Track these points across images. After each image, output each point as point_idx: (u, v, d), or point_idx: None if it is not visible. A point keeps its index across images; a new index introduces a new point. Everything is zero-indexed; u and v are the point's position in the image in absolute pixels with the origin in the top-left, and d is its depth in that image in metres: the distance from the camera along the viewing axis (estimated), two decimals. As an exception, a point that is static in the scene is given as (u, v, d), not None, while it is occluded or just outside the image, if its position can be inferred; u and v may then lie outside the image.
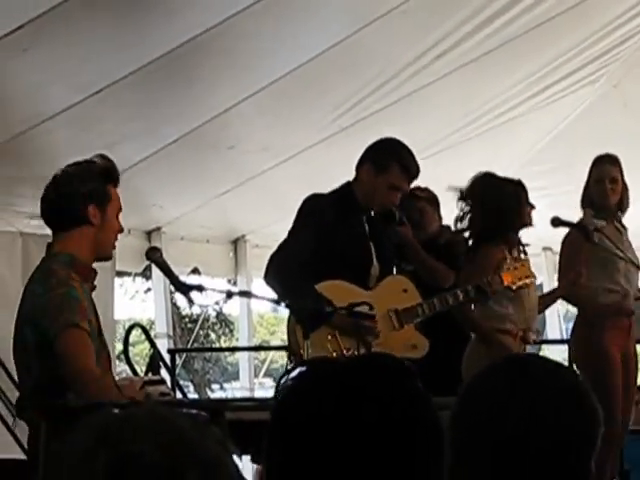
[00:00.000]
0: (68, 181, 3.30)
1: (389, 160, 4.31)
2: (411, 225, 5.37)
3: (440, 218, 5.56)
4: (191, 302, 3.63)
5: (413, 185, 5.46)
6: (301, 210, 4.34)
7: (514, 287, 4.61)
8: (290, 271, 4.17)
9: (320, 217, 4.27)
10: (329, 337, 4.16)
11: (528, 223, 4.87)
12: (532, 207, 4.88)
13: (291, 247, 4.29)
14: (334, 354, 4.13)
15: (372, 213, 4.56)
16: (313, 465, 1.27)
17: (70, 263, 3.25)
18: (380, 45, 5.56)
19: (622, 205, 5.29)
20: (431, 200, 5.48)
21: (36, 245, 5.84)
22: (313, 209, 4.31)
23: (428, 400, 1.35)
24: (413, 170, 4.35)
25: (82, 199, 3.27)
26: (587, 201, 5.30)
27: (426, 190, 5.47)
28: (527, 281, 4.66)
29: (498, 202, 4.70)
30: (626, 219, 5.43)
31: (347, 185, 4.42)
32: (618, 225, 5.33)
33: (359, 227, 4.39)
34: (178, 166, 5.98)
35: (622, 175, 5.30)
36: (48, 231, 5.87)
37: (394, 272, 4.59)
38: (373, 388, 1.32)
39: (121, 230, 3.41)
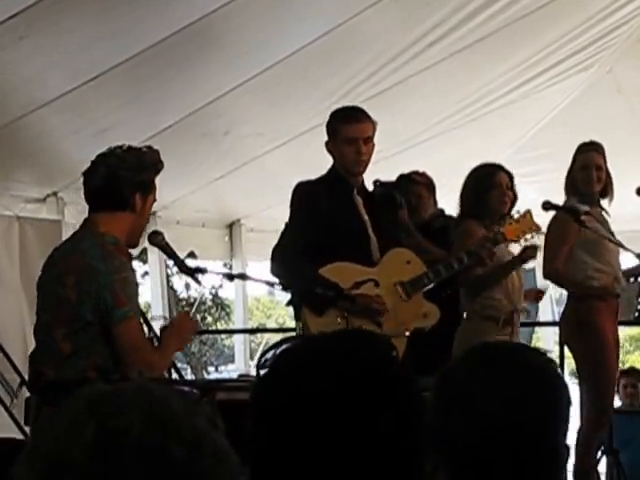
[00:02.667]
0: (124, 166, 3.35)
1: (334, 123, 4.42)
2: (408, 209, 5.48)
3: (435, 203, 5.64)
4: (199, 283, 3.70)
5: (411, 170, 5.56)
6: (293, 197, 4.40)
7: (521, 240, 4.69)
8: (293, 260, 4.21)
9: (313, 200, 4.33)
10: (339, 320, 4.21)
11: (504, 202, 4.96)
12: (507, 191, 4.98)
13: (290, 235, 4.35)
14: None
15: (374, 191, 4.63)
16: (293, 443, 1.27)
17: (115, 245, 3.34)
18: (373, 33, 5.58)
19: (605, 193, 5.32)
20: (428, 185, 5.56)
21: (32, 229, 5.89)
22: (305, 194, 4.37)
23: (409, 376, 1.36)
24: (355, 116, 4.41)
25: (133, 187, 3.35)
26: (571, 187, 5.32)
27: (423, 175, 5.57)
28: (532, 232, 4.71)
29: (473, 183, 4.99)
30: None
31: (331, 168, 4.50)
32: (602, 212, 5.36)
33: (351, 204, 4.45)
34: (173, 151, 6.00)
35: (606, 163, 5.33)
36: (44, 215, 5.98)
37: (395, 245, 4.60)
38: (354, 364, 1.32)
39: (148, 220, 3.53)
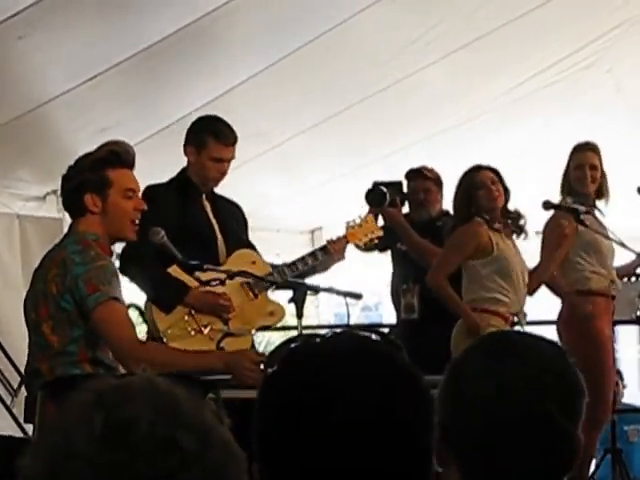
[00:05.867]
0: (67, 174, 3.46)
1: (203, 135, 4.46)
2: (414, 203, 5.53)
3: (442, 199, 5.69)
4: (199, 282, 3.71)
5: (421, 165, 5.60)
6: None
7: (361, 243, 4.81)
8: (140, 260, 4.21)
9: (160, 203, 4.34)
10: (186, 317, 4.28)
11: (494, 197, 4.98)
12: (504, 189, 5.02)
13: (139, 237, 4.36)
14: (192, 332, 4.27)
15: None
16: (302, 442, 1.27)
17: (96, 241, 3.40)
18: (375, 29, 5.59)
19: (601, 194, 5.32)
20: (436, 181, 5.63)
21: (33, 227, 5.89)
22: (152, 197, 4.33)
23: (416, 372, 1.35)
24: (229, 137, 4.47)
25: (75, 191, 3.42)
26: (566, 188, 5.33)
27: (433, 171, 5.64)
28: (372, 236, 4.82)
29: (461, 188, 5.07)
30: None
31: (182, 171, 4.57)
32: (597, 213, 5.36)
33: (199, 207, 4.52)
34: (173, 150, 6.01)
35: (601, 163, 5.33)
36: (44, 213, 5.97)
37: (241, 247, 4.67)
38: (362, 362, 1.31)
39: (139, 209, 3.51)
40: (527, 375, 1.60)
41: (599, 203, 5.35)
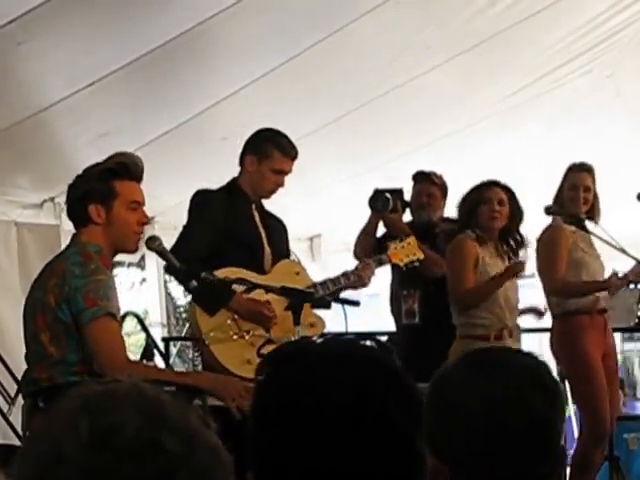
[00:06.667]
0: (74, 183, 3.47)
1: (268, 147, 4.53)
2: (416, 206, 5.58)
3: (444, 207, 5.71)
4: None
5: (429, 170, 5.63)
6: (192, 205, 4.51)
7: (402, 264, 4.88)
8: (190, 260, 4.19)
9: (213, 209, 4.44)
10: (229, 321, 4.30)
11: (494, 217, 5.02)
12: (497, 206, 5.04)
13: (189, 241, 4.41)
14: (235, 337, 4.28)
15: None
16: (296, 449, 1.27)
17: (98, 253, 3.40)
18: (374, 35, 5.58)
19: (592, 215, 5.34)
20: (442, 188, 5.69)
21: (30, 234, 5.88)
22: (204, 202, 4.48)
23: (409, 378, 1.36)
24: (292, 151, 4.55)
25: (80, 200, 3.42)
26: (558, 206, 5.36)
27: (441, 178, 5.72)
28: (414, 257, 4.89)
29: (466, 198, 5.12)
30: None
31: (233, 180, 4.62)
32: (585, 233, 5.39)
33: (249, 216, 4.57)
34: (171, 156, 6.01)
35: (595, 184, 5.36)
36: (42, 220, 5.95)
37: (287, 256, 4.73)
38: (355, 368, 1.32)
39: (143, 222, 3.50)
40: (509, 385, 1.64)
41: (589, 223, 5.38)
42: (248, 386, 3.36)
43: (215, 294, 4.18)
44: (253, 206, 4.59)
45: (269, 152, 4.51)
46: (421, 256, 4.94)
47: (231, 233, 4.40)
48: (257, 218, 4.58)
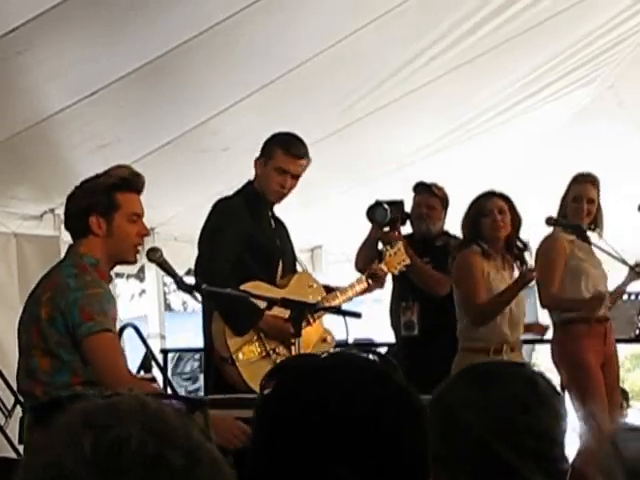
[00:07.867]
0: (72, 196, 3.46)
1: (272, 147, 4.49)
2: (415, 216, 5.56)
3: (444, 219, 5.68)
4: (197, 300, 3.66)
5: (430, 182, 5.60)
6: (215, 213, 4.46)
7: (396, 272, 4.92)
8: (223, 276, 4.19)
9: (237, 217, 4.39)
10: (254, 338, 4.30)
11: (497, 227, 5.00)
12: (498, 216, 5.04)
13: (216, 252, 4.35)
14: (261, 355, 4.32)
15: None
16: (298, 461, 1.27)
17: (94, 265, 3.38)
18: (373, 48, 5.56)
19: (595, 226, 5.33)
20: (443, 200, 5.65)
21: (30, 245, 5.86)
22: (229, 211, 4.43)
23: (413, 393, 1.35)
24: (296, 150, 4.48)
25: (81, 212, 3.40)
26: (562, 216, 5.35)
27: (442, 190, 5.69)
28: (405, 263, 4.94)
29: (469, 212, 5.12)
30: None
31: (248, 184, 4.57)
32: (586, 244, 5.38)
33: (268, 223, 4.54)
34: (172, 167, 5.99)
35: (599, 196, 5.35)
36: (41, 232, 5.93)
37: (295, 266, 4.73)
38: (358, 384, 1.31)
39: (142, 233, 3.48)
40: (508, 399, 1.63)
41: (591, 234, 5.37)
42: (243, 427, 3.25)
43: (245, 314, 4.17)
44: (269, 213, 4.55)
45: (273, 151, 4.48)
46: (408, 261, 4.94)
47: (251, 242, 4.36)
48: (273, 226, 4.56)
